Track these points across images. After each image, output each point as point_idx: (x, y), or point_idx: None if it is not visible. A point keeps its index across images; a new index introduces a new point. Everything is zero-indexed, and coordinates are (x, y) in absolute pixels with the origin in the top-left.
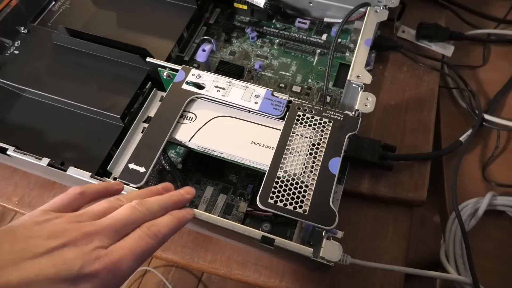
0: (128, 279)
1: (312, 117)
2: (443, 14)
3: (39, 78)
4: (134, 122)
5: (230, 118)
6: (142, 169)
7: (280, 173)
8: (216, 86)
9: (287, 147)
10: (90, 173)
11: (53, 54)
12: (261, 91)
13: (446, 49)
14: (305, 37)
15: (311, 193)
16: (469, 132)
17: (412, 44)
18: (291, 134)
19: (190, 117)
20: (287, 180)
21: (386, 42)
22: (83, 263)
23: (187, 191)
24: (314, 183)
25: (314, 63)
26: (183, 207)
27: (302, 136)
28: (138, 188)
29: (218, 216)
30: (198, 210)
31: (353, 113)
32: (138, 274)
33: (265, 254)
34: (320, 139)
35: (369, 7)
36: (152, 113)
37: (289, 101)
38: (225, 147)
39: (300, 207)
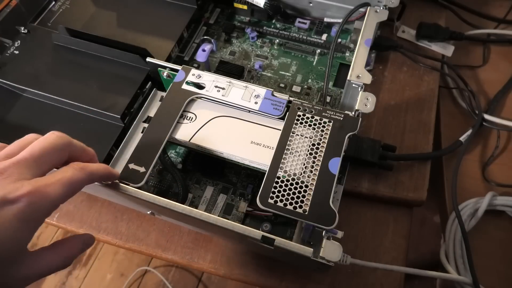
0: (59, 206)
1: (312, 117)
2: (443, 14)
3: (39, 78)
4: (134, 122)
5: (230, 118)
6: (142, 169)
7: (280, 173)
8: (216, 86)
9: (287, 147)
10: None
11: (53, 54)
12: (261, 91)
13: (446, 49)
14: (305, 37)
15: (311, 193)
16: (469, 132)
17: (412, 44)
18: (291, 134)
19: (190, 117)
20: (287, 180)
21: (386, 42)
22: (4, 192)
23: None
24: (314, 183)
25: (314, 63)
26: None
27: (302, 136)
28: (139, 188)
29: (218, 216)
30: (198, 210)
31: (353, 113)
32: (138, 274)
33: (263, 252)
34: (320, 139)
35: (369, 7)
36: (152, 113)
37: (289, 101)
38: (225, 147)
39: (300, 207)
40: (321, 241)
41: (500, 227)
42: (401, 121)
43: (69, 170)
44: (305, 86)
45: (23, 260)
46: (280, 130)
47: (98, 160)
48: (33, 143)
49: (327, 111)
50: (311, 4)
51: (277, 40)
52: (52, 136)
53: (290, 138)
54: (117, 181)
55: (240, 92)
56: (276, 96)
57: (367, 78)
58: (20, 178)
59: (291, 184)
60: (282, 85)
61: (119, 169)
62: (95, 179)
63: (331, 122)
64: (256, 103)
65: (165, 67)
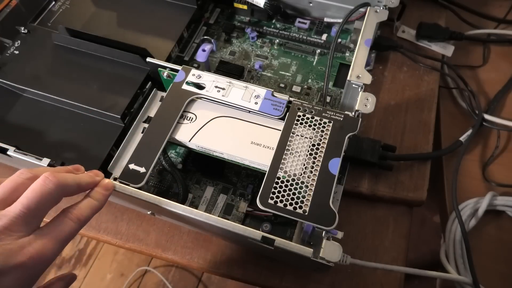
0: (49, 265)
1: (312, 118)
2: (443, 14)
3: (39, 78)
4: (134, 122)
5: (230, 119)
6: (142, 169)
7: (280, 174)
8: (216, 86)
9: (287, 147)
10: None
11: (53, 54)
12: (261, 91)
13: (446, 49)
14: (305, 37)
15: (311, 193)
16: (469, 132)
17: (412, 44)
18: (291, 134)
19: (190, 117)
20: (287, 181)
21: (386, 42)
22: (4, 257)
23: (96, 174)
24: (314, 183)
25: (314, 63)
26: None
27: (302, 136)
28: (139, 188)
29: (218, 216)
30: (198, 211)
31: (353, 113)
32: (138, 274)
33: (263, 253)
34: (320, 140)
35: (369, 7)
36: (152, 113)
37: (289, 101)
38: (225, 147)
39: (300, 207)
40: (321, 242)
41: (500, 227)
42: (401, 121)
43: (66, 225)
44: (305, 86)
45: None
46: (280, 130)
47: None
48: (28, 192)
49: (327, 112)
50: (311, 4)
51: (277, 40)
52: (47, 183)
53: (290, 138)
54: (116, 182)
55: (240, 92)
56: (276, 96)
57: (367, 78)
58: (20, 237)
59: (291, 185)
60: (282, 85)
61: (119, 169)
62: (87, 222)
63: (331, 122)
64: (256, 103)
65: (165, 67)
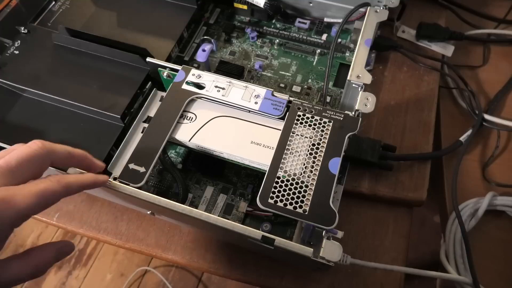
0: (29, 217)
1: (312, 117)
2: (443, 14)
3: (39, 78)
4: (134, 122)
5: (230, 118)
6: (142, 169)
7: (280, 173)
8: (216, 86)
9: (287, 147)
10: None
11: (53, 54)
12: (261, 91)
13: (446, 49)
14: (305, 37)
15: (311, 193)
16: (469, 132)
17: (412, 44)
18: (291, 134)
19: (190, 117)
20: (287, 180)
21: (386, 42)
22: None
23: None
24: (314, 183)
25: (314, 63)
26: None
27: (302, 136)
28: (139, 188)
29: (218, 216)
30: (198, 210)
31: (353, 113)
32: (138, 274)
33: (264, 253)
34: (320, 139)
35: (369, 7)
36: (152, 113)
37: (289, 101)
38: (225, 147)
39: (300, 207)
40: (321, 241)
41: (500, 227)
42: (401, 121)
43: (43, 181)
44: (305, 86)
45: None
46: (280, 130)
47: (92, 160)
48: (11, 153)
49: (327, 111)
50: (311, 4)
51: (277, 40)
52: (32, 146)
53: (290, 138)
54: (115, 181)
55: (240, 92)
56: (276, 96)
57: (367, 78)
58: None
59: (291, 184)
60: (282, 85)
61: (119, 169)
62: (74, 190)
63: (331, 122)
64: (256, 103)
65: (165, 67)
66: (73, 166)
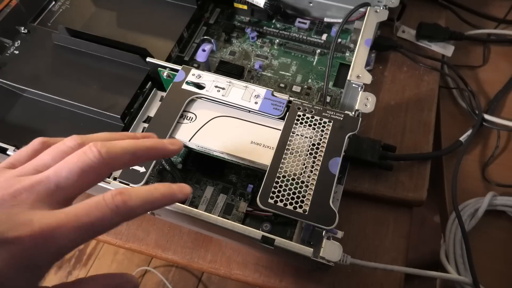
0: (70, 252)
1: (312, 117)
2: (443, 14)
3: (39, 78)
4: (134, 122)
5: (230, 118)
6: (142, 169)
7: (280, 173)
8: (216, 86)
9: (287, 147)
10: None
11: (53, 54)
12: (261, 91)
13: (446, 49)
14: (305, 37)
15: (311, 193)
16: (469, 132)
17: (412, 44)
18: (291, 134)
19: (190, 117)
20: (287, 180)
21: (386, 42)
22: (4, 227)
23: (171, 142)
24: (314, 183)
25: (314, 63)
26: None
27: (302, 136)
28: None
29: (218, 216)
30: (198, 210)
31: (353, 113)
32: (138, 274)
33: (265, 254)
34: (320, 139)
35: (369, 7)
36: (152, 113)
37: (289, 101)
38: (225, 147)
39: (300, 207)
40: (321, 241)
41: (500, 227)
42: (401, 121)
43: (99, 208)
44: (305, 86)
45: None
46: (280, 130)
47: (165, 147)
48: (62, 161)
49: (327, 111)
50: (311, 4)
51: (277, 40)
52: (89, 154)
53: (290, 138)
54: (115, 181)
55: (240, 92)
56: (276, 96)
57: (367, 78)
58: (33, 208)
59: (291, 184)
60: (282, 85)
61: None
62: (136, 215)
63: (331, 122)
64: (256, 103)
65: (165, 67)
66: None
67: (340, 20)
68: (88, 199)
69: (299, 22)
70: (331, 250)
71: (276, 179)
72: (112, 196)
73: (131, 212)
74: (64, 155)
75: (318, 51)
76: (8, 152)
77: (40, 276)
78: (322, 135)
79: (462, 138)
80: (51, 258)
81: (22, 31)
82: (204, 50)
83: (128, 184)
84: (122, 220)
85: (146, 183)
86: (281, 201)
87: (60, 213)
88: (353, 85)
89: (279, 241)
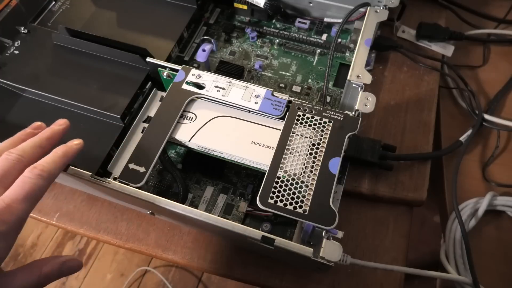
0: (25, 220)
1: (312, 117)
2: (443, 14)
3: (39, 78)
4: (134, 122)
5: (230, 118)
6: (142, 169)
7: (280, 173)
8: (216, 86)
9: (287, 147)
10: (90, 173)
11: (53, 54)
12: (261, 91)
13: (446, 49)
14: (305, 37)
15: (311, 193)
16: (469, 132)
17: (412, 44)
18: (291, 134)
19: (190, 117)
20: (287, 180)
21: (386, 42)
22: None
23: (57, 123)
24: (314, 183)
25: (314, 63)
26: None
27: (302, 136)
28: (139, 188)
29: (218, 216)
30: (198, 210)
31: (353, 113)
32: (138, 274)
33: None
34: (320, 139)
35: (369, 7)
36: (152, 113)
37: (289, 101)
38: (225, 147)
39: (300, 207)
40: (321, 241)
41: (500, 227)
42: (401, 121)
43: (27, 182)
44: (305, 86)
45: None
46: (280, 130)
47: (54, 131)
48: None
49: (327, 111)
50: (311, 4)
51: (277, 40)
52: (12, 156)
53: (290, 138)
54: (115, 181)
55: (240, 92)
56: (276, 96)
57: (367, 78)
58: None
59: (291, 184)
60: (282, 85)
61: (119, 168)
62: (56, 175)
63: (331, 122)
64: (256, 103)
65: (165, 67)
66: (50, 149)
67: (340, 20)
68: (17, 180)
69: (299, 22)
70: (331, 250)
71: (276, 179)
72: (30, 171)
73: (50, 175)
74: None
75: (318, 51)
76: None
77: (7, 246)
78: (322, 135)
79: (462, 138)
80: (14, 229)
81: (22, 31)
82: (204, 50)
83: (128, 184)
84: (47, 183)
85: (146, 183)
86: (281, 201)
87: (4, 197)
88: (353, 85)
89: (279, 241)
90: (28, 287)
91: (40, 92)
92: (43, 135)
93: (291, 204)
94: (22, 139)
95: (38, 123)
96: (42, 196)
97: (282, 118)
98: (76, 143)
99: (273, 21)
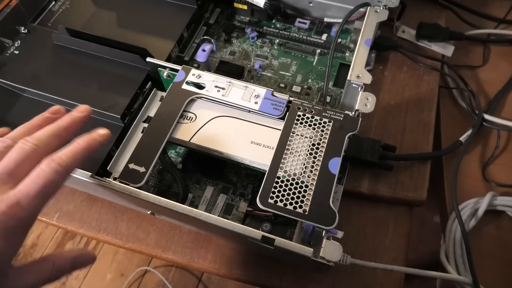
0: (36, 216)
1: (312, 117)
2: (443, 14)
3: (39, 78)
4: (134, 122)
5: (230, 118)
6: (142, 169)
7: (280, 173)
8: (216, 86)
9: (287, 147)
10: (90, 173)
11: (53, 54)
12: (261, 91)
13: (446, 49)
14: (305, 37)
15: (311, 193)
16: (469, 132)
17: (412, 44)
18: (291, 134)
19: (190, 117)
20: (287, 180)
21: (386, 42)
22: None
23: (79, 110)
24: (314, 183)
25: (314, 63)
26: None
27: (302, 136)
28: (139, 188)
29: (218, 216)
30: (198, 210)
31: (353, 113)
32: (138, 274)
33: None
34: (320, 139)
35: (369, 7)
36: (152, 113)
37: (289, 101)
38: (225, 147)
39: (300, 207)
40: (321, 241)
41: (500, 227)
42: (401, 121)
43: (42, 175)
44: (305, 86)
45: (7, 274)
46: (280, 130)
47: (74, 118)
48: (8, 156)
49: (327, 111)
50: (311, 4)
51: (277, 40)
52: (25, 147)
53: (290, 138)
54: (115, 181)
55: (240, 92)
56: (276, 96)
57: (367, 78)
58: None
59: (291, 184)
60: (282, 85)
61: (119, 168)
62: (73, 167)
63: (331, 122)
64: (256, 103)
65: (165, 67)
66: (68, 140)
67: (340, 20)
68: (31, 172)
69: (299, 22)
70: (331, 250)
71: (276, 179)
72: (47, 164)
73: (67, 170)
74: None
75: (318, 51)
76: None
77: (19, 242)
78: (322, 135)
79: (462, 138)
80: (23, 227)
81: (22, 31)
82: (204, 50)
83: (128, 184)
84: (63, 178)
85: (146, 183)
86: (281, 201)
87: (17, 191)
88: (353, 85)
89: (279, 241)
90: (41, 283)
91: (40, 92)
92: (62, 123)
93: (291, 204)
94: (39, 125)
95: (57, 107)
96: (56, 192)
97: (282, 118)
98: (102, 133)
99: (273, 21)
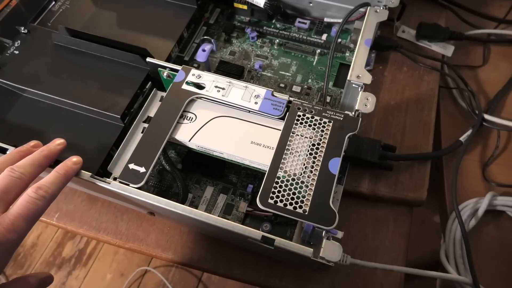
0: (23, 239)
1: (312, 117)
2: (443, 14)
3: (39, 78)
4: (134, 122)
5: (230, 118)
6: (142, 169)
7: (280, 173)
8: (216, 86)
9: (287, 147)
10: (90, 173)
11: (53, 54)
12: (261, 91)
13: (446, 49)
14: (305, 37)
15: (311, 193)
16: (469, 132)
17: (412, 44)
18: (291, 134)
19: (190, 117)
20: (287, 180)
21: (386, 42)
22: None
23: (55, 142)
24: (314, 183)
25: (314, 63)
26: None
27: (302, 136)
28: (139, 188)
29: (218, 216)
30: (198, 210)
31: (353, 113)
32: (138, 274)
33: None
34: (320, 139)
35: (369, 7)
36: (152, 113)
37: (289, 101)
38: (225, 147)
39: (300, 207)
40: (321, 241)
41: (500, 227)
42: (401, 121)
43: (31, 202)
44: (305, 86)
45: None
46: (280, 130)
47: (50, 149)
48: None
49: (327, 111)
50: (311, 4)
51: (277, 40)
52: (16, 174)
53: (290, 138)
54: (115, 181)
55: (240, 92)
56: (276, 96)
57: (367, 78)
58: None
59: (291, 184)
60: (282, 85)
61: (119, 169)
62: (55, 195)
63: (331, 122)
64: (256, 103)
65: (165, 67)
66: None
67: (340, 20)
68: (20, 198)
69: (299, 22)
70: (331, 250)
71: (276, 179)
72: (35, 192)
73: (52, 196)
74: None
75: (318, 51)
76: (8, 152)
77: (6, 262)
78: (322, 135)
79: (462, 138)
80: (15, 247)
81: (22, 31)
82: (204, 50)
83: (128, 184)
84: (48, 204)
85: (146, 183)
86: (281, 201)
87: (9, 215)
88: (353, 85)
89: (279, 241)
90: None
91: (40, 92)
92: (42, 153)
93: (291, 204)
94: (21, 156)
95: (35, 142)
96: (40, 217)
97: (282, 118)
98: (75, 161)
99: (273, 21)
